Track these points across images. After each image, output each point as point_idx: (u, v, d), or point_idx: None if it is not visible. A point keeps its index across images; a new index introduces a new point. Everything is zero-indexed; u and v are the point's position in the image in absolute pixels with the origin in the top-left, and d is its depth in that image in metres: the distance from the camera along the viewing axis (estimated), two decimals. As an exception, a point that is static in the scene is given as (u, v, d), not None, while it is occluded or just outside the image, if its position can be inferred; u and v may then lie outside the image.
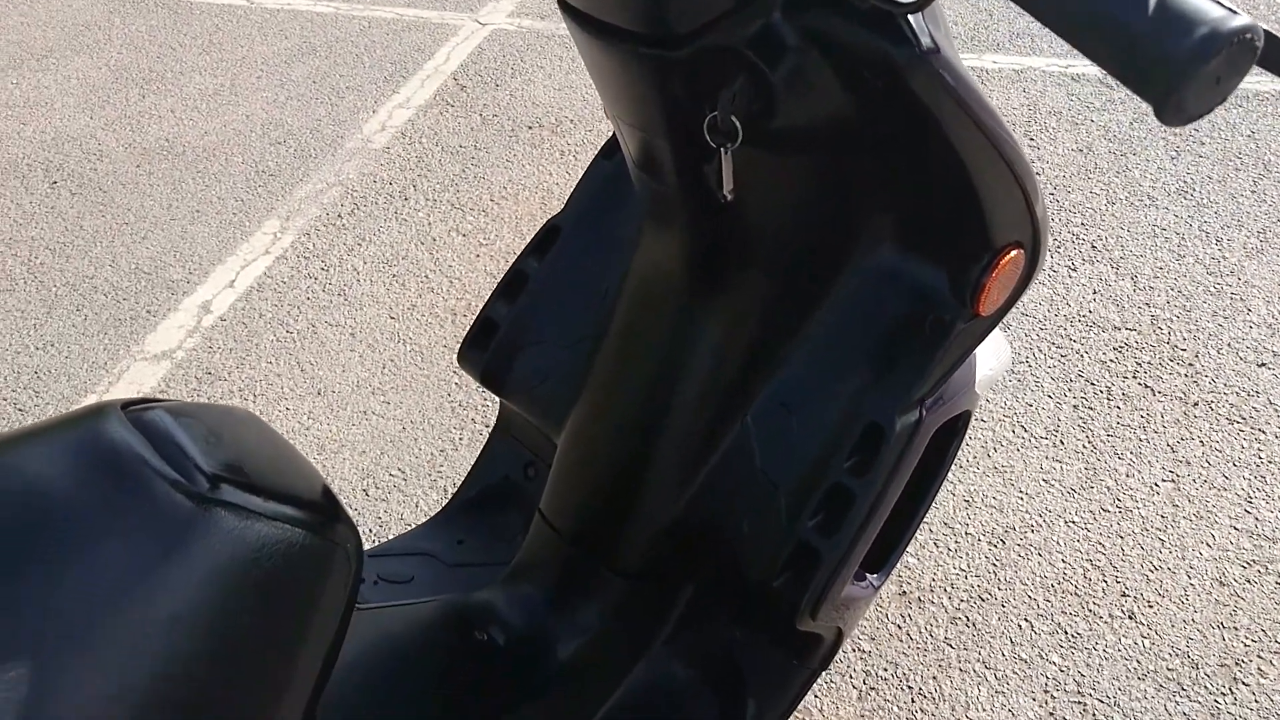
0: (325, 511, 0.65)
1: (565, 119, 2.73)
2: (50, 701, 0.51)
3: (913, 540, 1.64)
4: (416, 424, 1.87)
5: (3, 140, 2.75)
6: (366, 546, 1.26)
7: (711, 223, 0.87)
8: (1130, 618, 1.51)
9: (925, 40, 0.69)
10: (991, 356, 1.06)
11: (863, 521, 0.90)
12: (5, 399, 1.96)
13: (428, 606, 1.00)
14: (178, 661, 0.55)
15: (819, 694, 1.44)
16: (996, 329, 1.10)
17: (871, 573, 1.04)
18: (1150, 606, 1.52)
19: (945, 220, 0.86)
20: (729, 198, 0.76)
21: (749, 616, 1.04)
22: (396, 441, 1.84)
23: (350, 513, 1.70)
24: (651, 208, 0.92)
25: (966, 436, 1.08)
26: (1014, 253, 0.86)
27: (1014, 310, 2.05)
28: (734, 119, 0.70)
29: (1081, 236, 2.22)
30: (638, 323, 0.98)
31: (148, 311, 2.17)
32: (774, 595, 0.92)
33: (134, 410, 0.63)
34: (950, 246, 0.87)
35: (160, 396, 0.71)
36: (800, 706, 1.42)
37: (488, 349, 1.10)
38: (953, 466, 1.75)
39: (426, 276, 2.22)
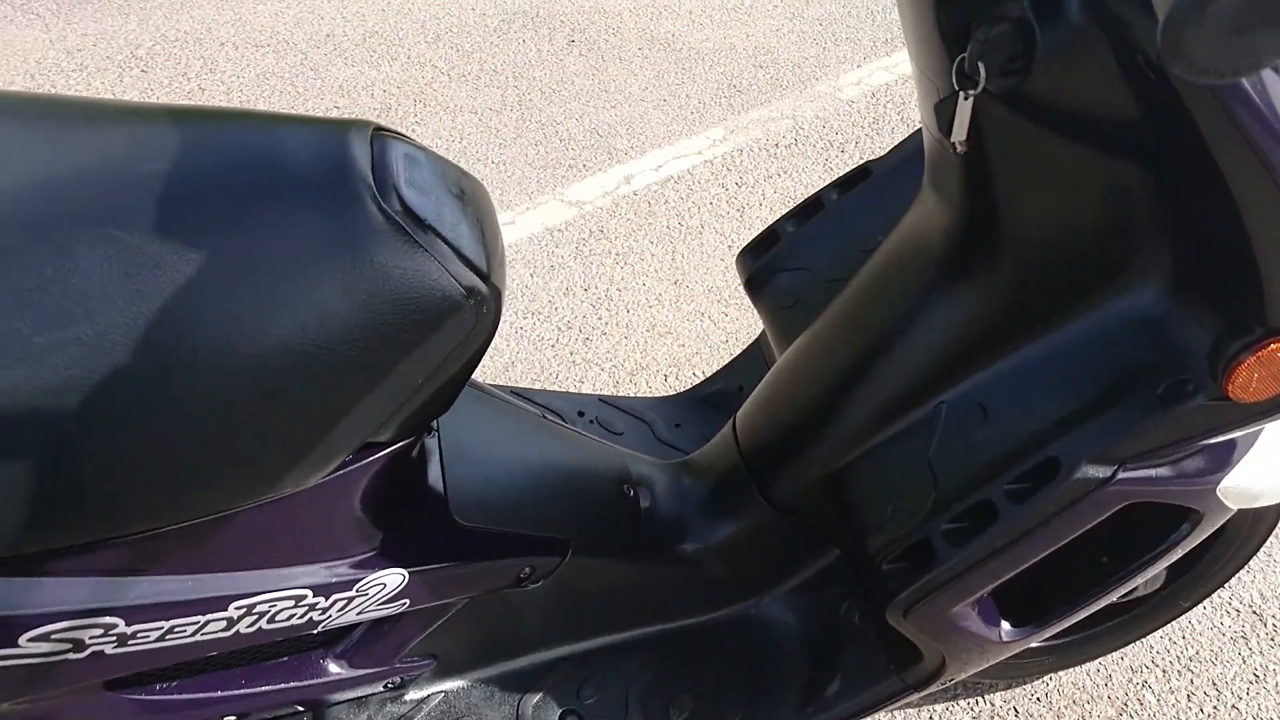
0: (482, 277, 0.75)
1: (1035, 129, 2.58)
2: (197, 315, 0.65)
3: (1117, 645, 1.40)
4: (739, 341, 1.95)
5: (554, -3, 3.21)
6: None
7: (970, 194, 0.83)
8: None
9: None
10: (1267, 470, 0.89)
11: (996, 548, 0.83)
12: (452, 190, 2.35)
13: (603, 446, 1.09)
14: (304, 327, 0.68)
15: (963, 756, 1.33)
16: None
17: (1016, 625, 0.95)
18: None
19: (1220, 274, 0.74)
20: (959, 148, 0.73)
21: (868, 602, 1.01)
22: (715, 348, 1.94)
23: (643, 389, 1.83)
24: (927, 164, 0.90)
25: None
26: None
27: None
28: (980, 64, 0.67)
29: None
30: (879, 280, 0.97)
31: (584, 165, 2.46)
32: (879, 577, 0.89)
33: (383, 134, 0.76)
34: (1219, 307, 0.75)
35: (414, 139, 0.84)
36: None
37: (761, 258, 1.15)
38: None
39: (819, 223, 2.26)
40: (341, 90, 2.65)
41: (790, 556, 1.07)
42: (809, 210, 1.14)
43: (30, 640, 0.66)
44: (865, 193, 1.08)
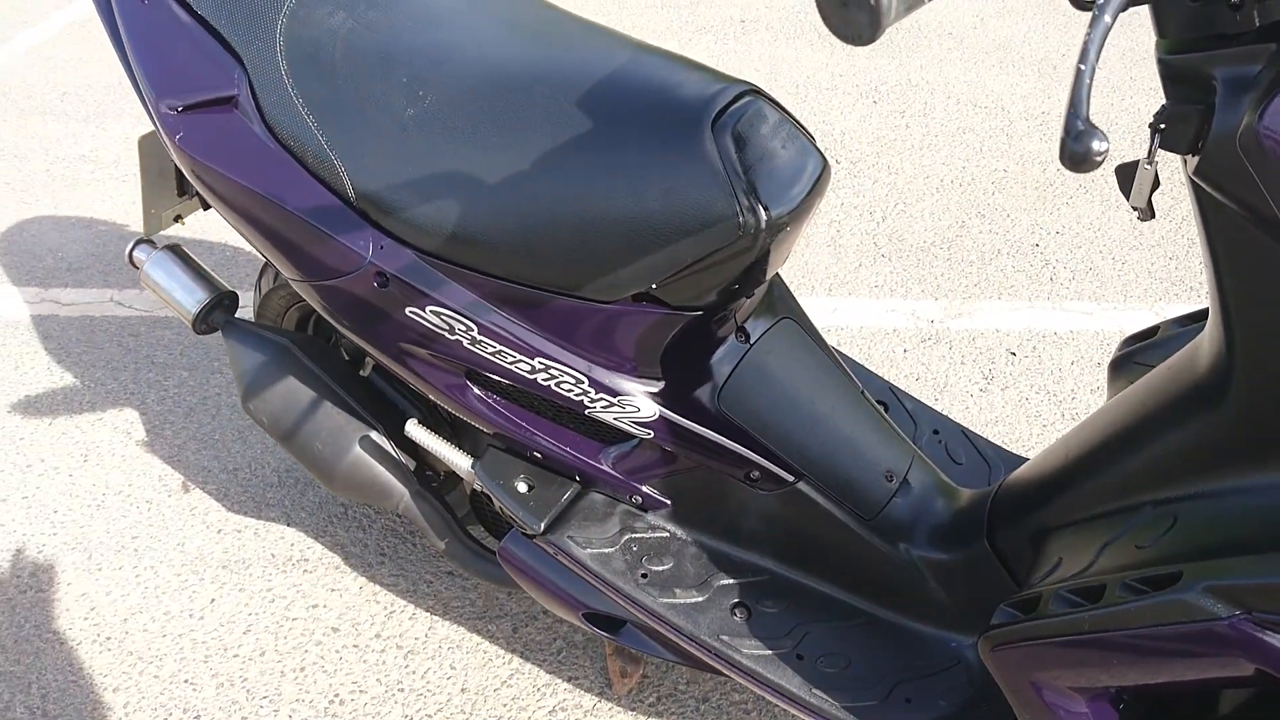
0: (765, 210, 0.99)
1: None
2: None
3: None
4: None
5: None
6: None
7: (1219, 311, 0.82)
8: None
9: None
10: None
11: (1083, 629, 0.82)
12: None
13: (899, 439, 1.22)
14: (632, 193, 1.00)
15: None
16: None
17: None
18: None
19: None
20: (1137, 215, 0.75)
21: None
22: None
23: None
24: None
25: None
26: None
27: None
28: (1155, 135, 0.70)
29: None
30: (1154, 378, 0.95)
31: (1205, 296, 2.31)
32: (995, 613, 0.92)
33: (753, 94, 1.03)
34: None
35: (783, 107, 1.06)
36: None
37: (1132, 346, 1.15)
38: None
39: None
40: (1018, 159, 2.84)
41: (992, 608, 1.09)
42: (1196, 317, 1.11)
43: (429, 310, 1.12)
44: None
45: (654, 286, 1.05)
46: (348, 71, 1.10)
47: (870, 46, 3.43)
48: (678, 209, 1.00)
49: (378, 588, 1.69)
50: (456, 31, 1.12)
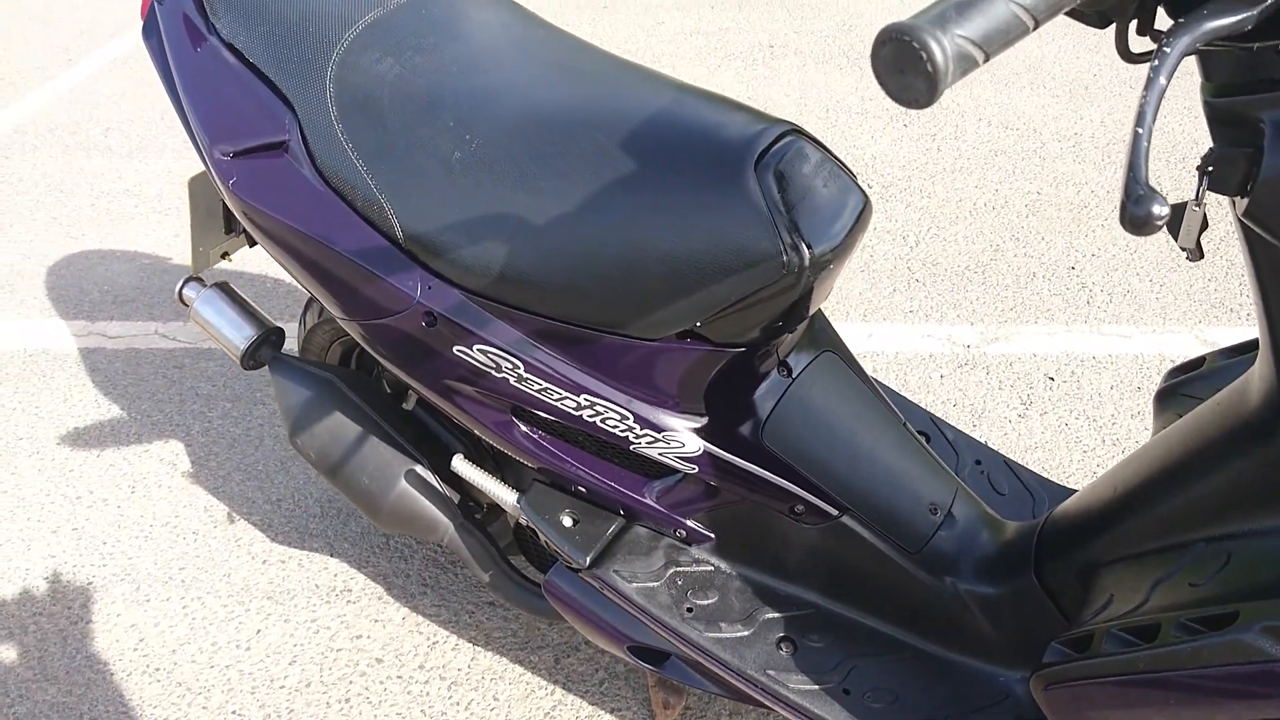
0: (808, 248, 0.99)
1: None
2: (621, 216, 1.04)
3: None
4: None
5: None
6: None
7: (1268, 347, 0.81)
8: None
9: None
10: None
11: (1138, 669, 0.82)
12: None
13: (941, 470, 1.21)
14: (677, 231, 1.01)
15: None
16: None
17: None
18: None
19: None
20: (1186, 255, 0.75)
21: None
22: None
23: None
24: None
25: None
26: None
27: None
28: (1204, 176, 0.71)
29: None
30: (1203, 414, 0.95)
31: (1234, 318, 2.29)
32: (1047, 650, 0.92)
33: (795, 134, 1.05)
34: None
35: (824, 145, 1.07)
36: None
37: (1177, 378, 1.15)
38: None
39: None
40: (1051, 181, 2.83)
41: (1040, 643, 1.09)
42: (1244, 349, 1.10)
43: (477, 349, 1.13)
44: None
45: (698, 324, 1.06)
46: (396, 116, 1.13)
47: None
48: (721, 248, 1.01)
49: (420, 618, 1.70)
50: (501, 75, 1.14)
